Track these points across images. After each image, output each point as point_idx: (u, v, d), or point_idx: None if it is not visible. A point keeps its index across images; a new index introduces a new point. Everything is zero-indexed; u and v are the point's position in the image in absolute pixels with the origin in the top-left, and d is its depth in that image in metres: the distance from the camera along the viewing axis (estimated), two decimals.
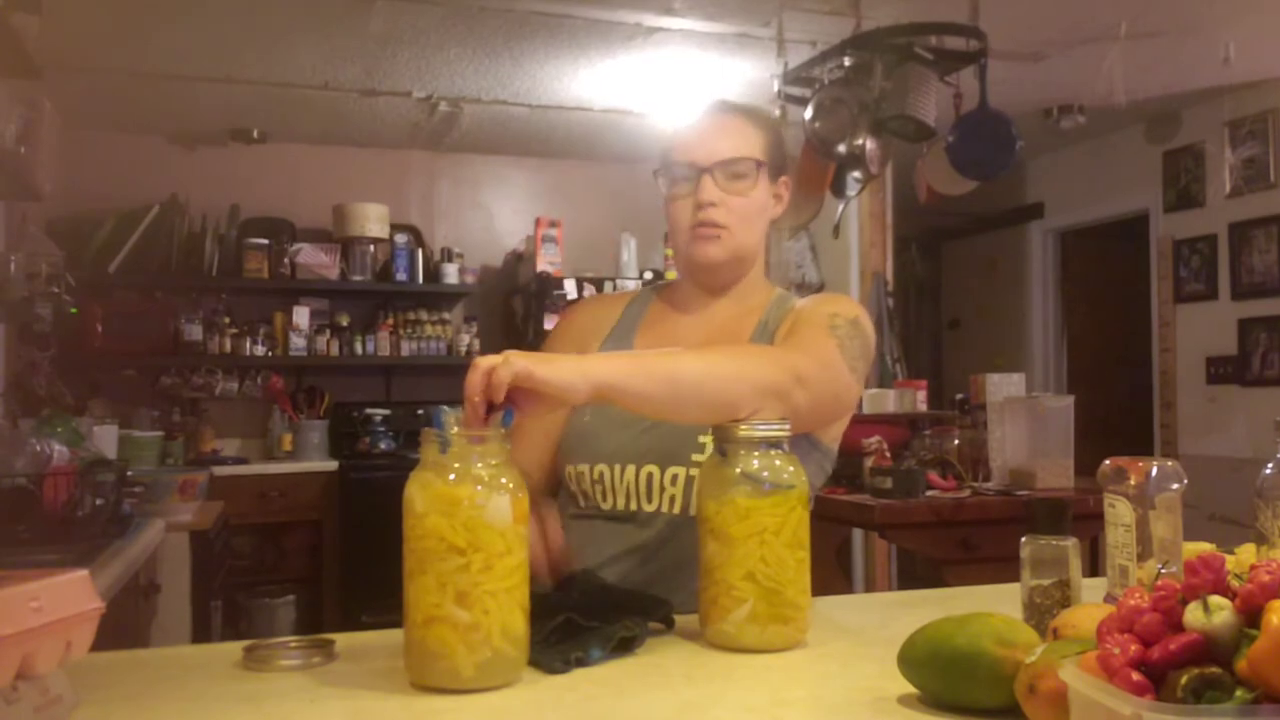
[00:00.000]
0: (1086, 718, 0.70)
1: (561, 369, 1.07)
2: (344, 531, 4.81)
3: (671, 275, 1.55)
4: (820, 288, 5.28)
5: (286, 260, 5.12)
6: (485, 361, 1.04)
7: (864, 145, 3.40)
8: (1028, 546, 1.10)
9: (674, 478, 1.36)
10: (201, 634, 3.15)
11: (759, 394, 1.19)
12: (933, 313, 7.14)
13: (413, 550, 0.99)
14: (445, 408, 1.07)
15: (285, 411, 5.10)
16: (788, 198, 1.48)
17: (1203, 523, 3.39)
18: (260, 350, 5.08)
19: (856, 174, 3.56)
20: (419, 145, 5.48)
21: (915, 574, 5.09)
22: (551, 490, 1.48)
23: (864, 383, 1.41)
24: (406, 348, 5.28)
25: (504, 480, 1.00)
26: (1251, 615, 0.66)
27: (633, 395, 1.13)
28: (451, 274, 5.35)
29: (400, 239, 5.30)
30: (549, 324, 4.99)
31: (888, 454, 3.29)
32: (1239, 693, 0.64)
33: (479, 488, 0.98)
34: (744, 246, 1.44)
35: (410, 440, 5.06)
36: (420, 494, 0.99)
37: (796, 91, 3.60)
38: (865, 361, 1.38)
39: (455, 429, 1.01)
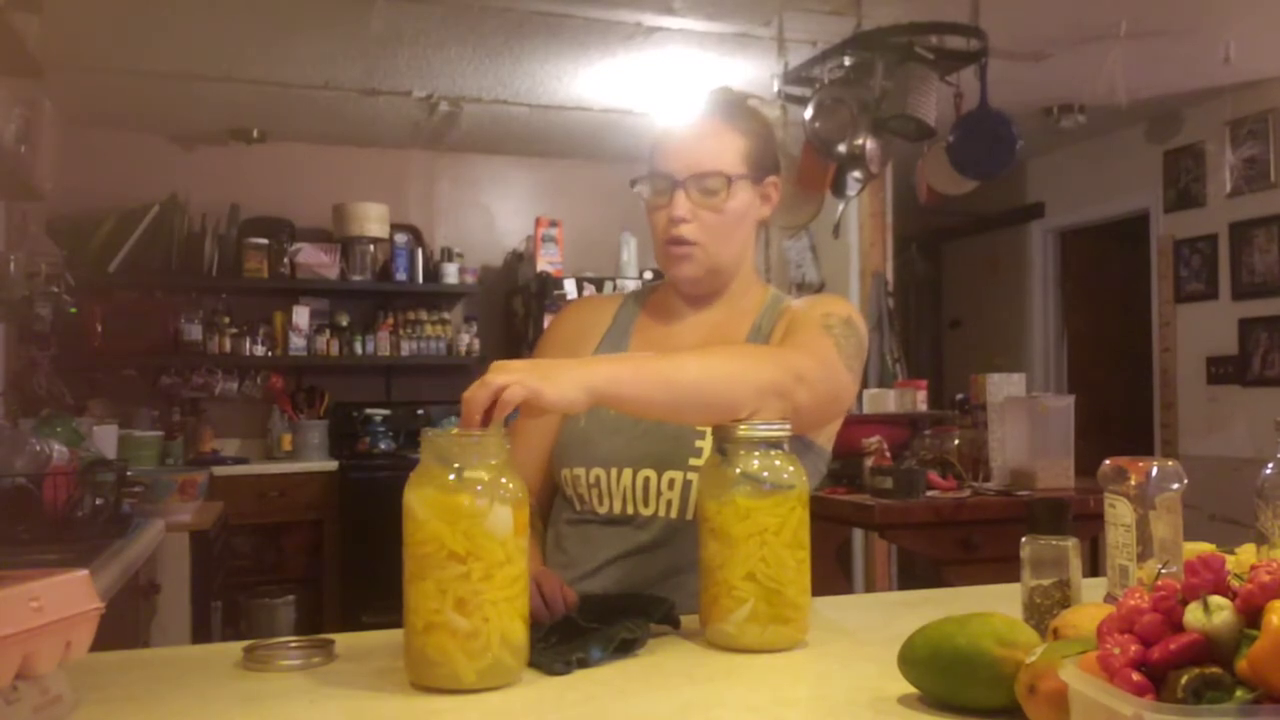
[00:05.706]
0: (1087, 718, 0.70)
1: (561, 384, 1.06)
2: (344, 531, 4.81)
3: None
4: (820, 288, 5.28)
5: (286, 260, 5.12)
6: (494, 382, 1.03)
7: (864, 145, 3.40)
8: (1028, 547, 1.09)
9: (671, 482, 1.35)
10: (201, 634, 3.14)
11: (759, 394, 1.19)
12: (933, 313, 7.13)
13: (413, 555, 0.99)
14: (446, 421, 1.06)
15: (285, 411, 5.10)
16: (777, 198, 1.46)
17: (1203, 523, 3.39)
18: (260, 350, 5.08)
19: (856, 174, 3.56)
20: (419, 145, 5.48)
21: (915, 574, 5.08)
22: (548, 491, 1.48)
23: (859, 383, 1.41)
24: (406, 348, 5.28)
25: (505, 488, 0.99)
26: (1252, 615, 0.66)
27: (632, 401, 1.14)
28: (451, 274, 5.35)
29: (400, 239, 5.30)
30: (549, 324, 4.97)
31: (888, 454, 3.28)
32: (1239, 693, 0.64)
33: (480, 495, 0.97)
34: (718, 260, 1.41)
35: (410, 440, 5.05)
36: (420, 500, 0.98)
37: (797, 91, 3.60)
38: (859, 361, 1.38)
39: (455, 430, 1.01)
